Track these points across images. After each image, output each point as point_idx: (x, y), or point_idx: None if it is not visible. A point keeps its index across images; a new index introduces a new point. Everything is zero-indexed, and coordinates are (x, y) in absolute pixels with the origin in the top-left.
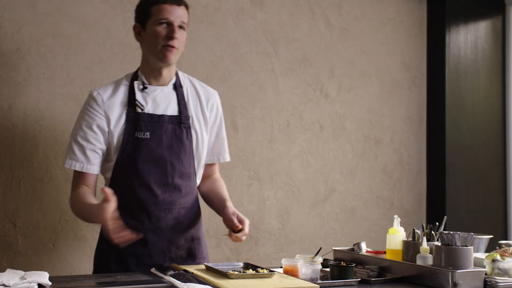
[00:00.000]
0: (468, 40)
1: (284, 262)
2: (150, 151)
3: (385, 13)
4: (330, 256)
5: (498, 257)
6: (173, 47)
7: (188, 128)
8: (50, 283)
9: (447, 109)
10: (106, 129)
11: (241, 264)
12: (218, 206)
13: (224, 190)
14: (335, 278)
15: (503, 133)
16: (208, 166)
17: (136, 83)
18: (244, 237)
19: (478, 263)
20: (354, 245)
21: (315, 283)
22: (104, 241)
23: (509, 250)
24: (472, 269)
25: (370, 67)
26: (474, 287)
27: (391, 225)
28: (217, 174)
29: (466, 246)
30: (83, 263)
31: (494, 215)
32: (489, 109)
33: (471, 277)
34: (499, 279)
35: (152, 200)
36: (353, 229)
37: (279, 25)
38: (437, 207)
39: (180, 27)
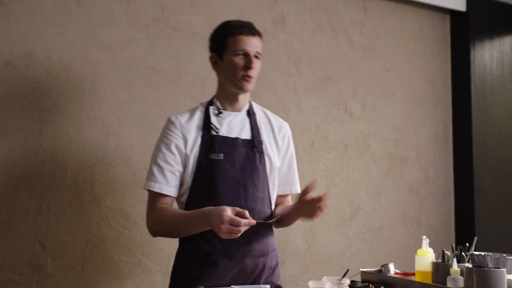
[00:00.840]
0: (494, 55)
1: (311, 284)
2: (224, 173)
3: (407, 31)
4: (358, 278)
5: None
6: (250, 77)
7: (262, 153)
8: None
9: (474, 126)
10: (184, 151)
11: (268, 286)
12: (289, 210)
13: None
14: None
15: None
16: (280, 197)
17: (211, 108)
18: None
19: None
20: (382, 266)
21: None
22: (177, 265)
23: None
24: None
25: (393, 84)
26: None
27: (419, 245)
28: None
29: (499, 268)
30: (112, 285)
31: None
32: None
33: None
34: None
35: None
36: (380, 249)
37: (301, 45)
38: (466, 226)
39: (256, 56)
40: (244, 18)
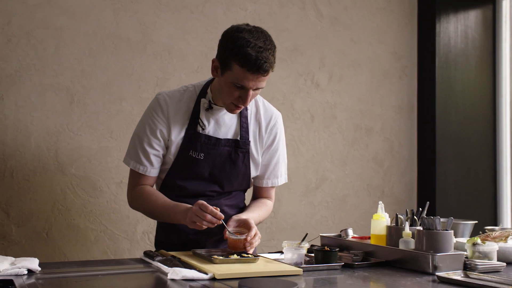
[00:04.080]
0: (458, 29)
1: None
2: (201, 169)
3: (375, 3)
4: (317, 242)
5: (479, 241)
6: (240, 107)
7: (246, 153)
8: (39, 269)
9: (437, 98)
10: (167, 138)
11: (228, 250)
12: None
13: (256, 208)
14: (319, 262)
15: (493, 121)
16: (259, 189)
17: (202, 101)
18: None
19: (460, 247)
20: (341, 231)
21: (299, 267)
22: (158, 239)
23: (491, 234)
24: (452, 252)
25: (360, 56)
26: (454, 269)
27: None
28: (267, 198)
29: (447, 230)
30: (76, 251)
31: (484, 202)
32: (479, 98)
33: (451, 260)
34: (478, 261)
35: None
36: (344, 217)
37: (269, 15)
38: (427, 195)
39: (256, 89)
40: None
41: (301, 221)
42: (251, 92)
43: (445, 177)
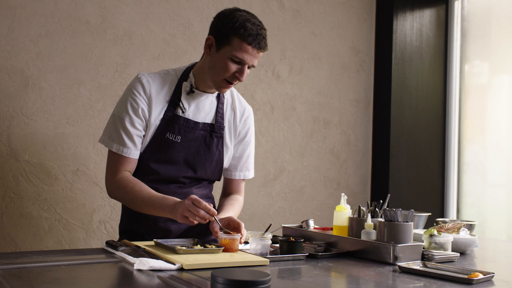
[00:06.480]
0: (414, 27)
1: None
2: (176, 153)
3: None
4: (279, 233)
5: (435, 232)
6: (233, 84)
7: (220, 138)
8: None
9: (393, 94)
10: (147, 118)
11: (191, 240)
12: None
13: (230, 206)
14: (284, 253)
15: (443, 117)
16: (230, 182)
17: (184, 85)
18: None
19: (417, 238)
20: (302, 222)
21: (264, 257)
22: (124, 226)
23: (445, 226)
24: (411, 243)
25: (320, 50)
26: (412, 259)
27: (338, 204)
28: (237, 193)
29: (407, 222)
30: (29, 241)
31: (433, 195)
32: (432, 94)
33: (410, 251)
34: (435, 252)
35: (168, 193)
36: (301, 208)
37: (232, 4)
38: (381, 187)
39: (250, 67)
40: None
41: (259, 212)
42: (246, 68)
43: (398, 171)
